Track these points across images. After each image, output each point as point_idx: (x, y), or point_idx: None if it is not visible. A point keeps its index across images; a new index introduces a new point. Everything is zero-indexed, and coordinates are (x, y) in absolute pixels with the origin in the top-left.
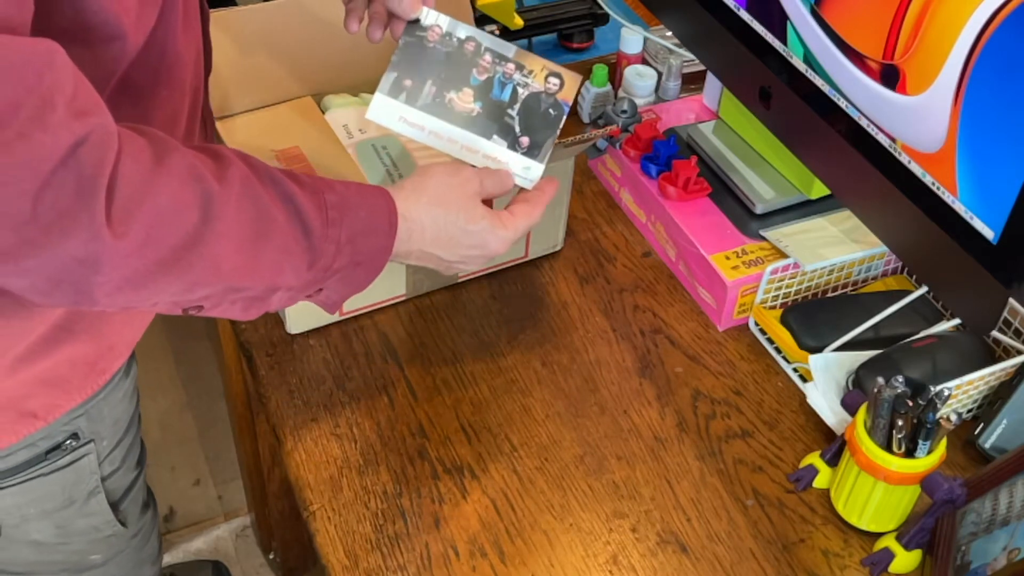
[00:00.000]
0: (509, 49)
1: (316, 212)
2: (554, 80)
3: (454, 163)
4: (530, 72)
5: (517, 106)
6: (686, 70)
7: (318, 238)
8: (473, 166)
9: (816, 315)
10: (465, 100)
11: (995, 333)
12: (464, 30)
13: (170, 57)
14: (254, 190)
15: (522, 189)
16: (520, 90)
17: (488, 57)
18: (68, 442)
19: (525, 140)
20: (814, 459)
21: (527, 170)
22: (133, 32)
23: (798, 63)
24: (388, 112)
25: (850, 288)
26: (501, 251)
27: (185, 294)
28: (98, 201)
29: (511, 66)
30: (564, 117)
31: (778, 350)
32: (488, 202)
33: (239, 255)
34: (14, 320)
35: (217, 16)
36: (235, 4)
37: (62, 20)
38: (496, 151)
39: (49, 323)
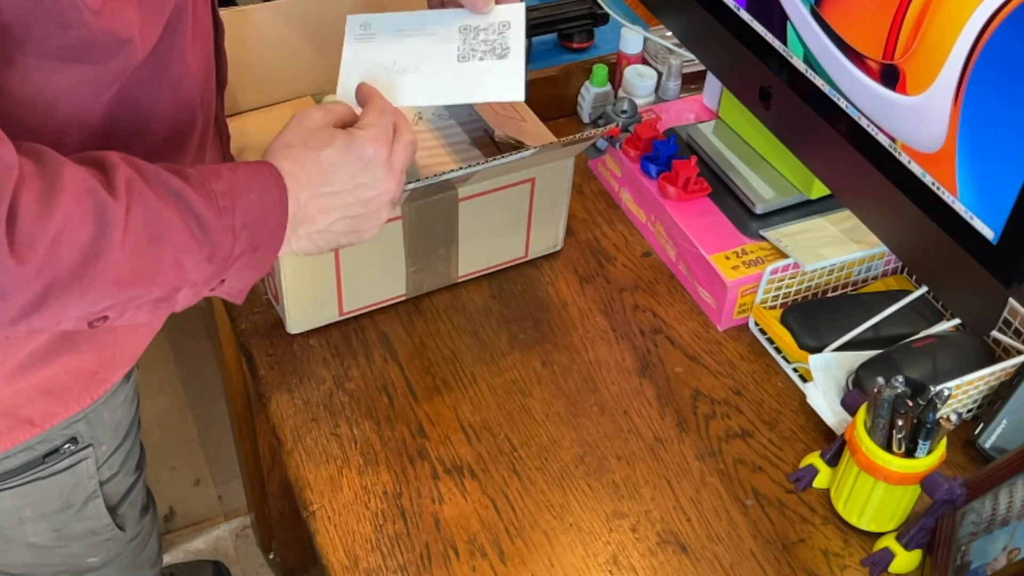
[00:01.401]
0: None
1: (207, 203)
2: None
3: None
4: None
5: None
6: (686, 70)
7: (213, 229)
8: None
9: (816, 315)
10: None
11: (995, 333)
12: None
13: (175, 71)
14: (143, 193)
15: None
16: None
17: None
18: (66, 446)
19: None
20: (814, 459)
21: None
22: (135, 47)
23: (798, 63)
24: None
25: (850, 288)
26: (380, 151)
27: (90, 307)
28: None
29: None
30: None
31: (778, 350)
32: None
33: (139, 260)
34: None
35: None
36: (235, 4)
37: (63, 38)
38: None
39: (51, 332)
